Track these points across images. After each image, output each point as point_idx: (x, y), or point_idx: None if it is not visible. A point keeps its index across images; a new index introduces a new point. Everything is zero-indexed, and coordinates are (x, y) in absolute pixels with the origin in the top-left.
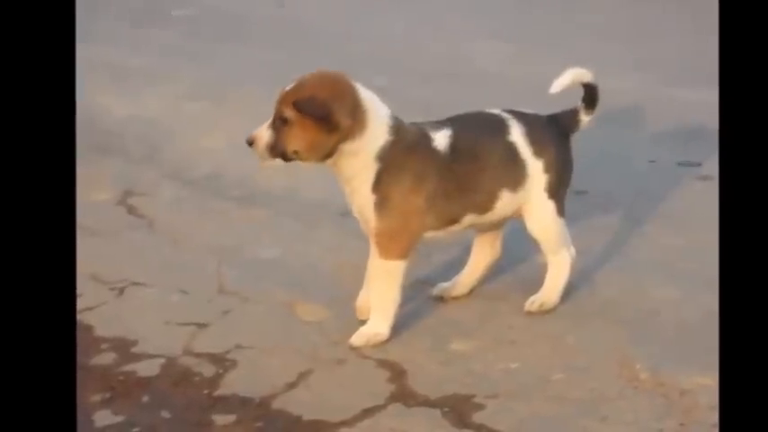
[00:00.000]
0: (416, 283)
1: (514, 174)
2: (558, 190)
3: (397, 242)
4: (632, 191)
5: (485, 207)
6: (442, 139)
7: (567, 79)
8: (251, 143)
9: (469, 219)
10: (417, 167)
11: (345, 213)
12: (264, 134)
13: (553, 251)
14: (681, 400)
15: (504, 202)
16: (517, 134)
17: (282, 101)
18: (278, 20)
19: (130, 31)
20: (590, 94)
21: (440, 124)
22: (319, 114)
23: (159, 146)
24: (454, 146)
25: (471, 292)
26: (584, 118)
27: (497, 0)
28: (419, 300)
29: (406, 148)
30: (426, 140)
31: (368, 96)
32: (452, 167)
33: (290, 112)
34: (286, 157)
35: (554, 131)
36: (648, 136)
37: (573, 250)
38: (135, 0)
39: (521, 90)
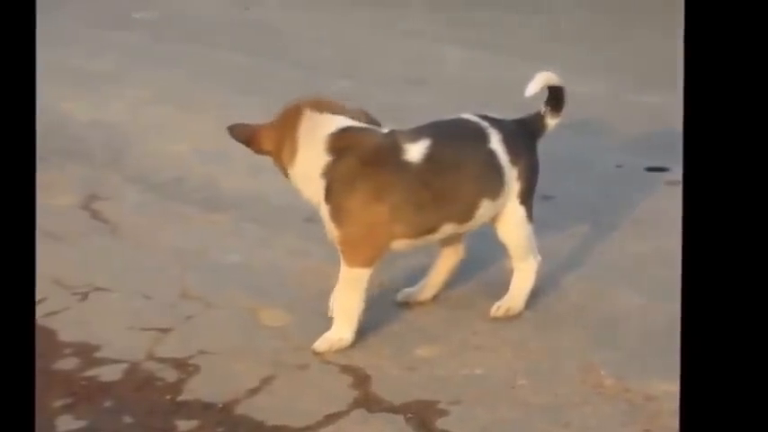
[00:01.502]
0: (381, 288)
1: (495, 182)
2: (528, 196)
3: (360, 251)
4: (600, 196)
5: (465, 216)
6: (416, 149)
7: (540, 82)
8: None
9: (448, 228)
10: (377, 179)
11: (310, 218)
12: None
13: (521, 257)
14: (646, 407)
15: (484, 211)
16: (496, 141)
17: None
18: (242, 23)
19: (91, 34)
20: (556, 97)
21: (417, 134)
22: (239, 139)
23: (123, 150)
24: (431, 156)
25: (436, 297)
26: (551, 122)
27: (463, 4)
28: (383, 305)
29: (360, 160)
30: (393, 152)
31: (308, 125)
32: (426, 178)
33: None
34: None
35: (524, 136)
36: (616, 141)
37: (539, 256)
38: (94, 2)
39: (486, 94)
